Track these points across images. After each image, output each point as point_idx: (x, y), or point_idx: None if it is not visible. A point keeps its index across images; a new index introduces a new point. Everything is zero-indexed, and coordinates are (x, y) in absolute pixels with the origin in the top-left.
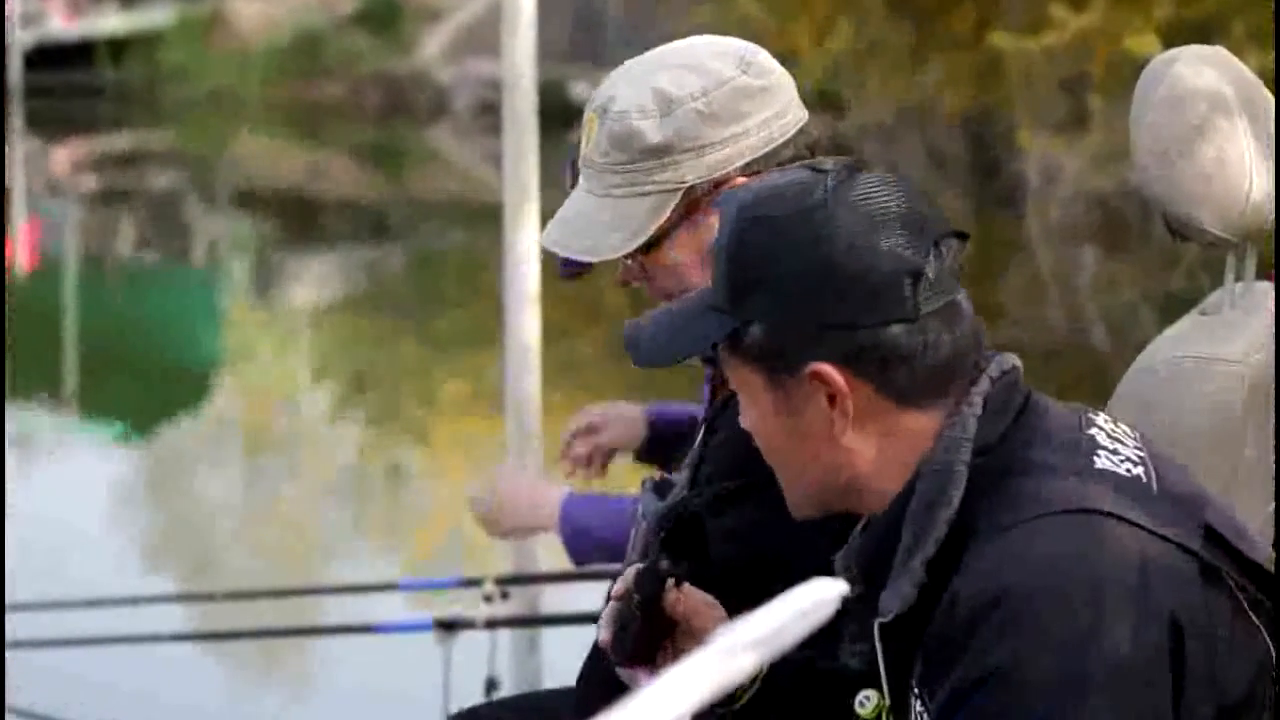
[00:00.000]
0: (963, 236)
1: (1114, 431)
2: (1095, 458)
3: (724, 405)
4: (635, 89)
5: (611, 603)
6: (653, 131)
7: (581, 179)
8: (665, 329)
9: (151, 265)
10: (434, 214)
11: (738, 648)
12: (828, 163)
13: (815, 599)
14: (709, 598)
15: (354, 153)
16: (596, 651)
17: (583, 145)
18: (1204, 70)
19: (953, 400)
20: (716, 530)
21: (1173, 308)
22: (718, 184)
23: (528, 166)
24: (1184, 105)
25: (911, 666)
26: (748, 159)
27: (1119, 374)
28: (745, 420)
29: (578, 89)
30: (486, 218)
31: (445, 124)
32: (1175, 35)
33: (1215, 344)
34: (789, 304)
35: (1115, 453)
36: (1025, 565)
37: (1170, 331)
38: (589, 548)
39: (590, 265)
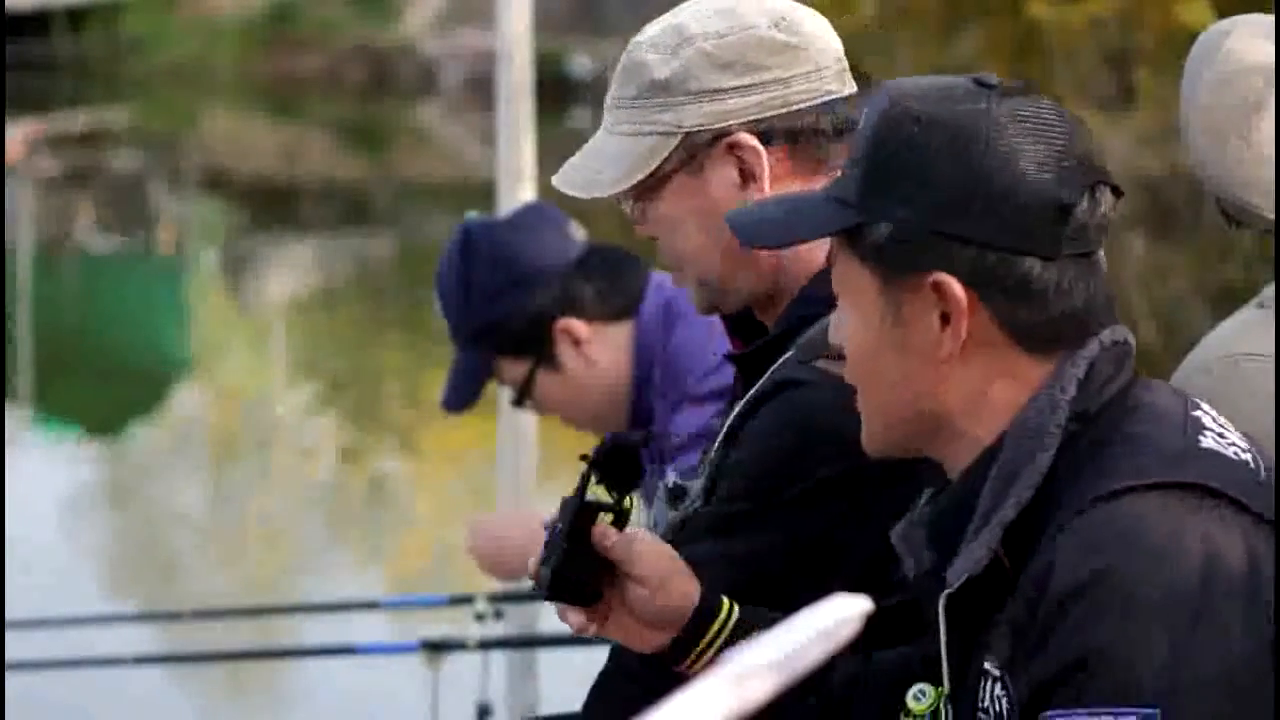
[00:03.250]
0: (1118, 192)
1: (1218, 418)
2: (1201, 437)
3: (745, 415)
4: (661, 23)
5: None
6: (658, 67)
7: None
8: (782, 212)
9: (113, 254)
10: (421, 198)
11: (752, 671)
12: (993, 77)
13: (837, 617)
14: (668, 549)
15: (334, 131)
16: (605, 675)
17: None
18: (1260, 43)
19: (1062, 357)
20: (723, 555)
21: (1227, 301)
22: (719, 136)
23: (522, 146)
24: (1239, 81)
25: (976, 649)
26: (755, 116)
27: (1168, 373)
28: (840, 327)
29: (577, 62)
30: (478, 201)
31: (433, 100)
32: (1229, 4)
33: (1275, 341)
34: (927, 205)
35: (1222, 436)
36: (1130, 539)
37: (1224, 327)
38: None
39: (472, 401)
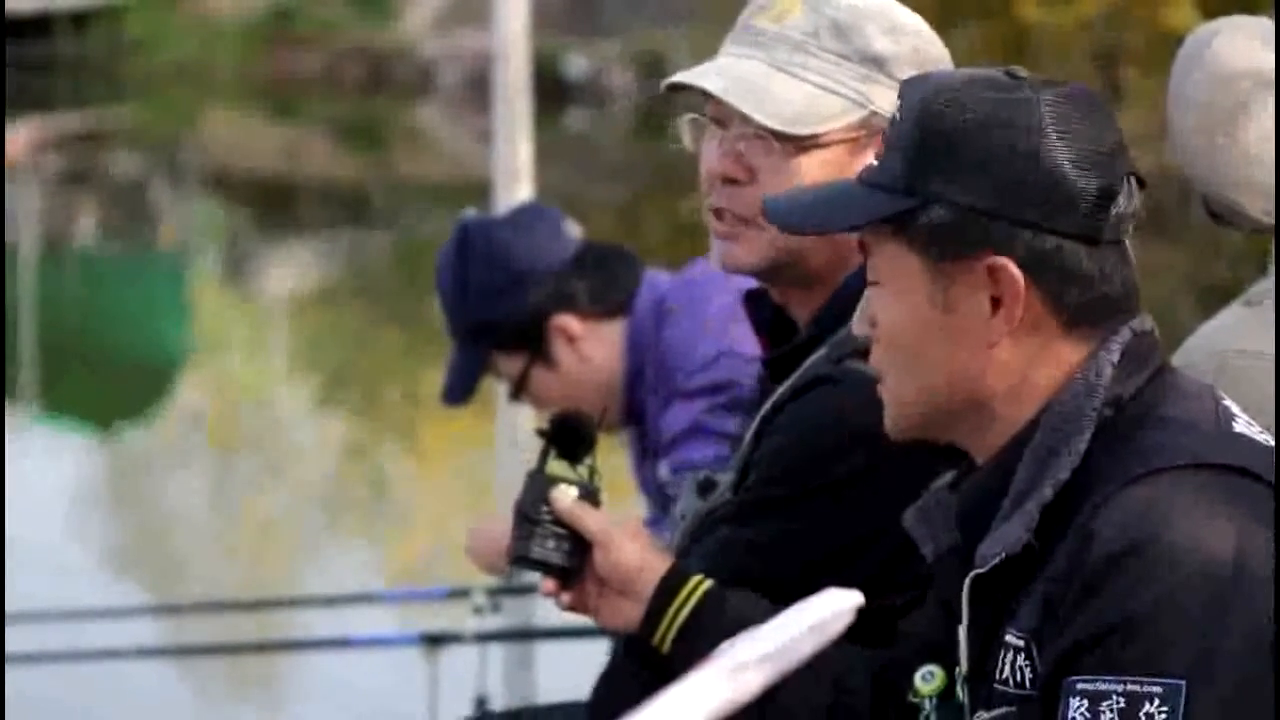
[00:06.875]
0: (1142, 183)
1: (1240, 410)
2: (1234, 422)
3: (777, 409)
4: (866, 1)
5: None
6: (876, 39)
7: (743, 46)
8: (824, 199)
9: (115, 253)
10: (419, 197)
11: (747, 665)
12: (1021, 70)
13: (831, 610)
14: (638, 528)
15: (333, 131)
16: (611, 668)
17: (763, 15)
18: (1247, 44)
19: (1097, 342)
20: (740, 541)
21: (1215, 300)
22: (875, 133)
23: (519, 146)
24: (1226, 82)
25: (998, 627)
26: None
27: None
28: (872, 314)
29: (573, 62)
30: (475, 201)
31: (431, 100)
32: (1214, 6)
33: (1261, 338)
34: (984, 189)
35: (1250, 424)
36: (1171, 514)
37: (1212, 324)
38: None
39: (468, 395)
